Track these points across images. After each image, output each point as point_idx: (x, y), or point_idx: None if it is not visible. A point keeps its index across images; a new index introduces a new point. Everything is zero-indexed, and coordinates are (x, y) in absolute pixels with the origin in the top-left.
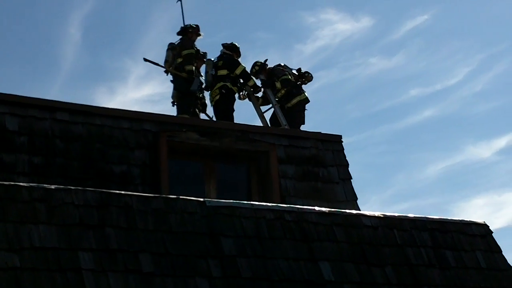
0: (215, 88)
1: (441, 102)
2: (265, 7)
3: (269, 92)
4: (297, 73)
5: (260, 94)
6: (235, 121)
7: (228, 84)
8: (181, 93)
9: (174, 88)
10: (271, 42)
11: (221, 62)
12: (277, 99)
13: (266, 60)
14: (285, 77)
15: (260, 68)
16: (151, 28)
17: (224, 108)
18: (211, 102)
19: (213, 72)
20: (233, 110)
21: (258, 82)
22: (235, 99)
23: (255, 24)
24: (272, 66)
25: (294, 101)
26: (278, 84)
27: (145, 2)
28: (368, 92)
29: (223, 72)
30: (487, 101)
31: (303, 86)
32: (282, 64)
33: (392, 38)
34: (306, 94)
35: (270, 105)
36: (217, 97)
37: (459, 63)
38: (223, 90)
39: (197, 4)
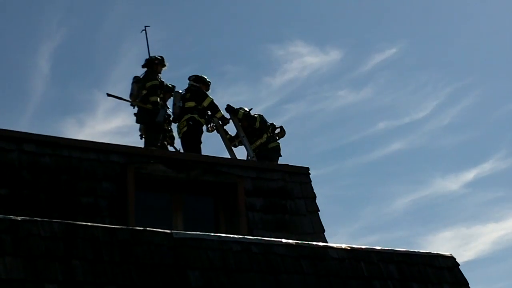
0: (182, 120)
1: (409, 135)
2: (234, 40)
3: (235, 123)
4: (270, 128)
5: (231, 130)
6: (202, 153)
7: (195, 116)
8: (147, 125)
9: (137, 121)
10: (240, 74)
11: (189, 94)
12: (256, 150)
13: (251, 109)
14: (254, 115)
15: (243, 115)
16: (120, 61)
17: (192, 140)
18: (178, 134)
19: (181, 104)
20: (201, 142)
21: (226, 115)
22: (202, 131)
23: (224, 57)
24: (253, 114)
25: (273, 144)
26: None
27: (114, 35)
28: (336, 125)
29: (191, 104)
30: (455, 134)
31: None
32: (260, 115)
33: (361, 71)
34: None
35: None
36: (185, 129)
37: (427, 97)
38: (190, 122)
39: (165, 36)
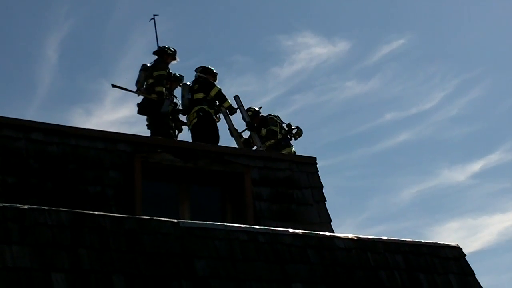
0: (192, 111)
1: (416, 126)
2: (242, 31)
3: (243, 111)
4: (287, 128)
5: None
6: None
7: (205, 107)
8: (151, 115)
9: (139, 112)
10: (248, 65)
11: (197, 85)
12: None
13: (260, 108)
14: (274, 127)
15: (253, 114)
16: (128, 51)
17: (204, 130)
18: (188, 126)
19: (189, 96)
20: (217, 129)
21: (234, 104)
22: (214, 120)
23: (232, 48)
24: (265, 114)
25: (283, 152)
26: (263, 131)
27: (122, 25)
28: (344, 115)
29: (200, 95)
30: (462, 125)
31: (293, 141)
32: (276, 115)
33: (368, 62)
34: (294, 149)
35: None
36: (195, 120)
37: (434, 88)
38: (200, 113)
39: (173, 27)
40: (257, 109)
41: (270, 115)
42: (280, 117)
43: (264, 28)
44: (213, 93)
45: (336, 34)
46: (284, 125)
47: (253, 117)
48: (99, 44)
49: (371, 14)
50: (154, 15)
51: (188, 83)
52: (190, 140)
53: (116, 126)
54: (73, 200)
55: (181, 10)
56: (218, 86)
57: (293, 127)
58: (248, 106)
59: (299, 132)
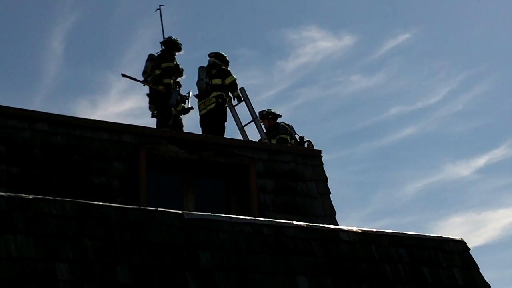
0: (211, 96)
1: (421, 120)
2: (248, 24)
3: (249, 103)
4: (298, 140)
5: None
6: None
7: (224, 93)
8: (159, 107)
9: (150, 102)
10: (253, 58)
11: (214, 70)
12: None
13: (279, 116)
14: (284, 136)
15: (266, 114)
16: (133, 43)
17: (218, 117)
18: (201, 109)
19: (207, 80)
20: (226, 121)
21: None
22: (226, 109)
23: (238, 41)
24: (279, 121)
25: None
26: (273, 142)
27: (128, 17)
28: (349, 109)
29: (217, 81)
30: (467, 120)
31: None
32: (289, 124)
33: (374, 57)
34: None
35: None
36: (212, 105)
37: (439, 83)
38: (219, 99)
39: (179, 19)
40: (273, 111)
41: (284, 123)
42: (294, 128)
43: (270, 21)
44: (228, 81)
45: (341, 28)
46: (296, 136)
47: (267, 115)
48: (104, 36)
49: (377, 8)
50: (160, 5)
51: (205, 66)
52: (197, 126)
53: (121, 118)
54: (77, 191)
55: (186, 3)
56: (234, 76)
57: (305, 140)
58: (268, 108)
59: (310, 146)
